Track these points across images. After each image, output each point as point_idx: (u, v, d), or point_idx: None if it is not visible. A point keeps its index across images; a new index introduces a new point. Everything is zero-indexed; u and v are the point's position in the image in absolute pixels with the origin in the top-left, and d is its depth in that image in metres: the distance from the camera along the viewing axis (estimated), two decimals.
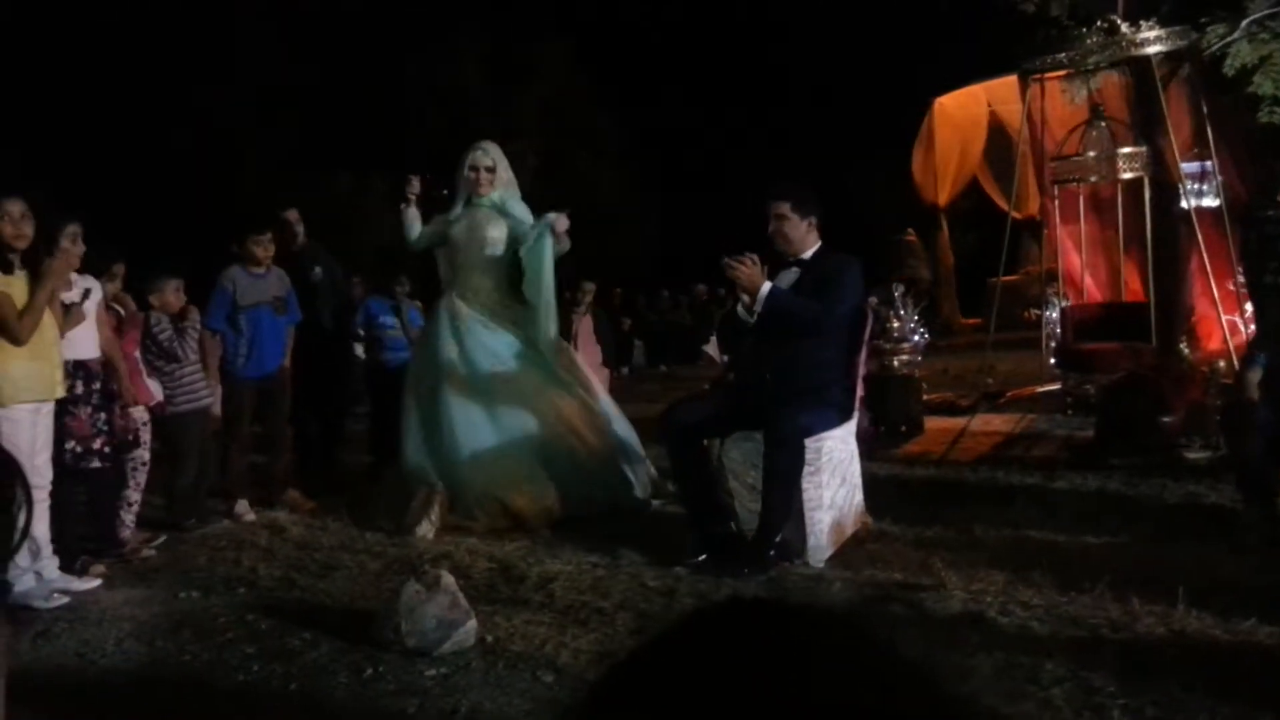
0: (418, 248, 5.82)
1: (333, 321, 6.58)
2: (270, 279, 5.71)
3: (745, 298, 4.23)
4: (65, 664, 3.40)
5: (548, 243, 5.42)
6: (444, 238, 5.66)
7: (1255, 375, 4.19)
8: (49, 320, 4.13)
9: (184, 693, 3.10)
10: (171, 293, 5.26)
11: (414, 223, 5.70)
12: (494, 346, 5.38)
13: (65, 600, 4.02)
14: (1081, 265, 7.72)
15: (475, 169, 5.59)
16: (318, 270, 6.43)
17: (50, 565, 4.15)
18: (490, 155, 5.64)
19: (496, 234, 5.57)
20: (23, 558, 3.86)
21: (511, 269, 5.61)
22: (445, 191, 5.66)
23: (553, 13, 21.71)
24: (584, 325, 10.43)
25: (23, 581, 3.94)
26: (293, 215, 6.47)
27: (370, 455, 6.74)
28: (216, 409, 5.57)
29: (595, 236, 6.05)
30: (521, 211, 5.70)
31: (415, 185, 5.73)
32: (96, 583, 4.26)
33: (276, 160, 18.13)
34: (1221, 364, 6.27)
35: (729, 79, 24.76)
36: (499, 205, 5.64)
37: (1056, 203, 7.69)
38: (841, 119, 21.92)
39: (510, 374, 5.34)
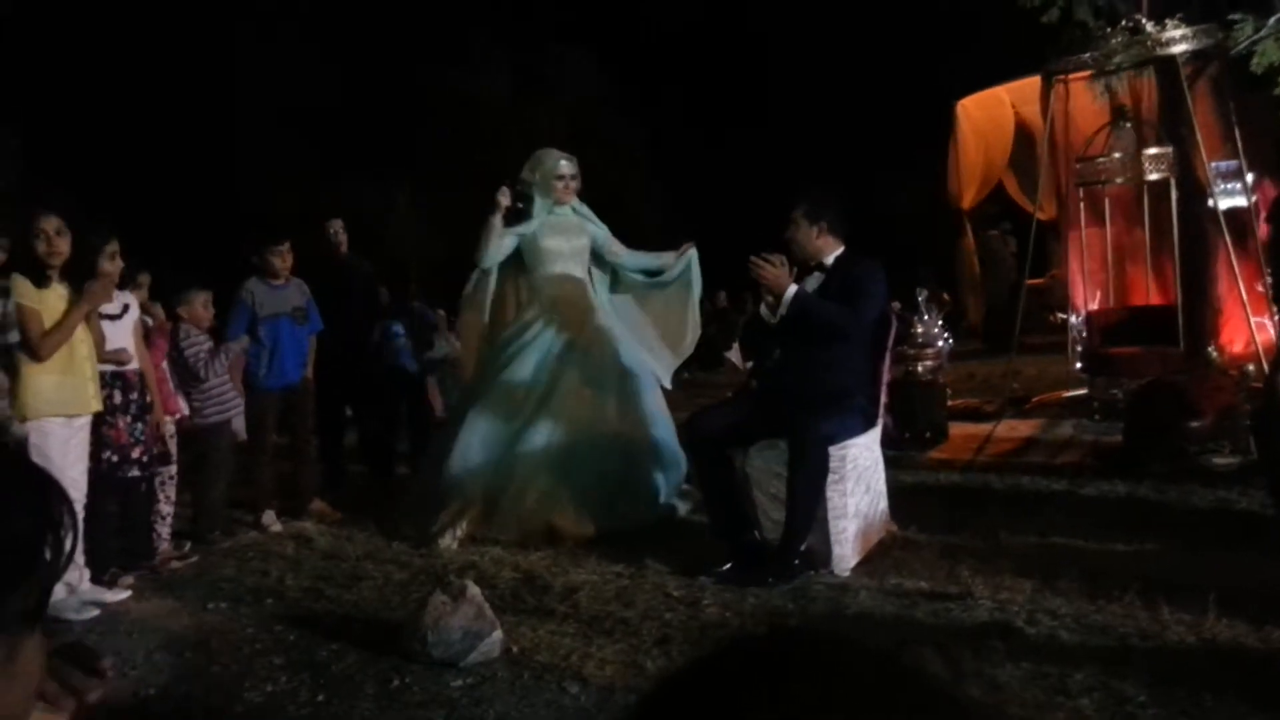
0: (491, 262, 5.59)
1: (369, 331, 6.66)
2: (290, 290, 5.75)
3: (769, 299, 4.23)
4: None
5: (695, 271, 5.89)
6: (523, 249, 5.61)
7: None
8: (84, 335, 4.20)
9: (213, 704, 3.13)
10: (200, 305, 5.31)
11: (495, 233, 5.49)
12: (583, 362, 5.35)
13: (96, 612, 4.07)
14: (1106, 268, 7.64)
15: (562, 177, 5.63)
16: (361, 281, 6.51)
17: (82, 577, 4.20)
18: (574, 164, 5.70)
19: (584, 241, 5.71)
20: None
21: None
22: (519, 205, 5.64)
23: (575, 21, 21.82)
24: None
25: (54, 593, 3.97)
26: (336, 225, 6.52)
27: (366, 461, 6.82)
28: (239, 421, 5.62)
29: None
30: (595, 217, 5.83)
31: (506, 195, 5.54)
32: (126, 594, 4.31)
33: (300, 171, 18.30)
34: (1251, 367, 6.19)
35: (752, 86, 24.74)
36: (581, 212, 5.76)
37: (1082, 204, 7.62)
38: (868, 124, 21.86)
39: (591, 389, 5.30)
